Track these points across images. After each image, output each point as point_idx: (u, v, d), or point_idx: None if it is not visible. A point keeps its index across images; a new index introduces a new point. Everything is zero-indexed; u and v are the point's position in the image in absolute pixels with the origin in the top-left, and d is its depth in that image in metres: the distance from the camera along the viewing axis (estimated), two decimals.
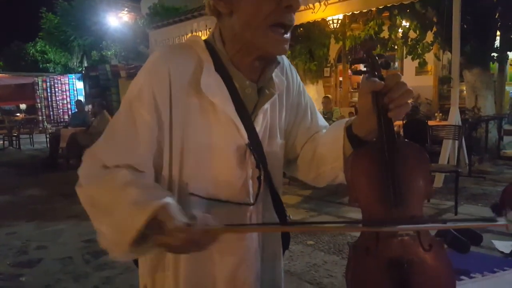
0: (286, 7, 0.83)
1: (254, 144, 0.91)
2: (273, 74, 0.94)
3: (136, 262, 1.00)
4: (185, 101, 0.87)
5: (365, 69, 0.88)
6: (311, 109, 1.07)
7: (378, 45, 8.47)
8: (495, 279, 1.12)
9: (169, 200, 0.76)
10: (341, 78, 12.38)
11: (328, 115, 7.44)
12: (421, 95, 10.70)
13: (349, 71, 10.76)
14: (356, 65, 0.92)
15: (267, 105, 0.93)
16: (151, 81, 0.86)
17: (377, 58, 0.87)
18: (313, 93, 10.33)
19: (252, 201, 0.92)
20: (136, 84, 0.88)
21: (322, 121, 1.08)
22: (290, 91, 1.03)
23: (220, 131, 0.89)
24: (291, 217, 1.02)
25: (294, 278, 3.09)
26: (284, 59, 1.03)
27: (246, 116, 0.91)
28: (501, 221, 0.69)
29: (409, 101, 0.80)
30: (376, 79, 0.81)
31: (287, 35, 0.87)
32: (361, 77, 0.88)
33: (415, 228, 0.78)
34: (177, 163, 0.88)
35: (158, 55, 0.89)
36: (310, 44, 9.73)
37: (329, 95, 8.27)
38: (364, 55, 0.88)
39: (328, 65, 11.26)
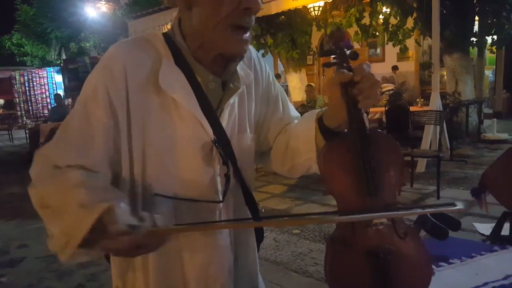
0: (245, 9, 0.80)
1: (221, 140, 0.88)
2: (238, 67, 0.91)
3: (109, 259, 0.98)
4: (144, 99, 0.84)
5: (334, 60, 0.87)
6: (282, 100, 1.05)
7: (359, 31, 8.49)
8: (473, 263, 1.14)
9: (116, 202, 0.73)
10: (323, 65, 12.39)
11: (312, 104, 7.46)
12: (407, 81, 10.82)
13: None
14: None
15: (233, 100, 0.91)
16: (105, 79, 0.82)
17: (345, 49, 0.87)
18: (296, 81, 10.33)
19: (220, 198, 0.89)
20: (90, 82, 0.84)
21: (293, 111, 1.07)
22: (259, 83, 1.00)
23: (183, 129, 0.86)
24: (262, 208, 1.00)
25: (281, 268, 3.11)
26: (252, 51, 1.00)
27: (211, 112, 0.88)
28: (459, 205, 0.72)
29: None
30: (345, 71, 0.81)
31: (247, 35, 0.84)
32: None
33: (385, 216, 0.79)
34: (139, 164, 0.85)
35: (113, 51, 0.85)
36: (292, 32, 9.68)
37: (312, 84, 8.29)
38: (333, 46, 0.88)
39: (311, 53, 11.24)
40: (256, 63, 1.00)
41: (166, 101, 0.84)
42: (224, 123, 0.90)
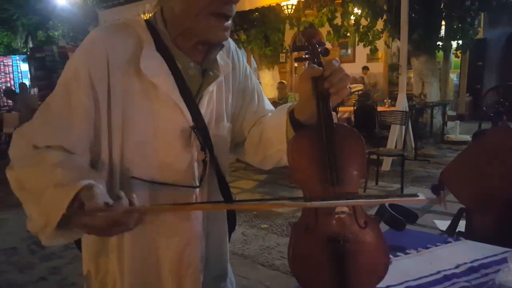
0: None
1: (199, 126, 0.90)
2: (218, 57, 0.93)
3: (79, 246, 0.97)
4: (125, 83, 0.84)
5: (306, 56, 0.90)
6: (258, 93, 1.07)
7: (332, 31, 8.62)
8: (428, 254, 1.20)
9: (93, 181, 0.74)
10: (296, 64, 12.49)
11: (283, 101, 7.51)
12: (378, 83, 11.06)
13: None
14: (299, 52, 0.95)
15: (212, 87, 0.92)
16: (87, 61, 0.82)
17: (317, 46, 0.90)
18: (269, 78, 10.36)
19: (197, 183, 0.91)
20: (71, 64, 0.84)
21: (268, 105, 1.09)
22: (237, 74, 1.02)
23: (162, 114, 0.87)
24: (236, 199, 1.03)
25: (248, 261, 3.15)
26: (231, 43, 1.02)
27: (190, 98, 0.89)
28: (421, 196, 0.76)
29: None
30: (315, 66, 0.84)
31: (228, 23, 0.86)
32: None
33: (347, 204, 0.82)
34: (118, 147, 0.86)
35: (95, 35, 0.85)
36: (266, 29, 9.71)
37: (284, 81, 8.34)
38: (305, 43, 0.91)
39: (284, 50, 11.31)
40: (234, 55, 1.02)
41: (146, 86, 0.85)
42: (202, 110, 0.91)
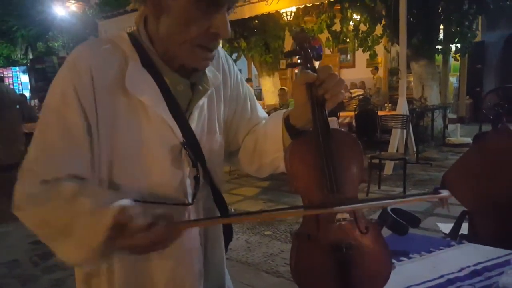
0: (213, 34, 0.80)
1: (190, 142, 0.87)
2: (206, 69, 0.90)
3: None
4: (111, 101, 0.81)
5: (299, 61, 0.90)
6: (251, 101, 1.05)
7: (331, 38, 8.66)
8: (431, 258, 1.19)
9: (125, 201, 0.71)
10: (296, 71, 12.54)
11: (285, 107, 7.53)
12: (381, 89, 11.07)
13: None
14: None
15: (202, 101, 0.90)
16: (72, 80, 0.79)
17: (309, 50, 0.89)
18: (270, 85, 10.39)
19: (189, 201, 0.88)
20: (56, 86, 0.81)
21: (262, 112, 1.07)
22: (228, 83, 1.00)
23: (151, 131, 0.84)
24: (233, 210, 1.02)
25: (252, 268, 3.13)
26: (220, 51, 0.99)
27: (180, 114, 0.86)
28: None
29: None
30: (309, 71, 0.83)
31: (212, 54, 0.85)
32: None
33: (350, 208, 0.82)
34: (106, 166, 0.83)
35: (78, 53, 0.82)
36: (266, 36, 9.75)
37: (285, 87, 8.36)
38: (297, 47, 0.90)
39: (284, 57, 11.35)
40: (224, 63, 1.00)
41: (133, 104, 0.83)
42: (193, 125, 0.89)
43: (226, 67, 1.00)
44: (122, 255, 0.77)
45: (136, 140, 0.83)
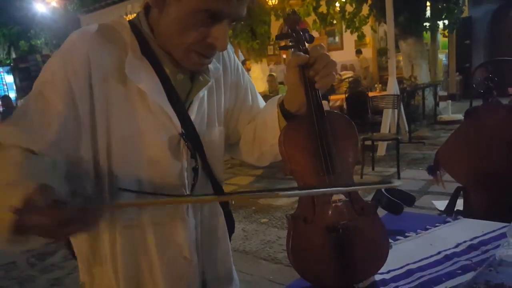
0: (209, 44, 0.79)
1: (189, 133, 0.86)
2: None
3: (74, 255, 0.93)
4: (109, 89, 0.80)
5: (291, 43, 0.89)
6: (251, 91, 1.04)
7: (318, 20, 8.59)
8: (427, 235, 1.19)
9: (50, 183, 0.65)
10: (284, 56, 12.47)
11: (274, 94, 7.50)
12: (369, 68, 11.07)
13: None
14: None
15: (202, 93, 0.88)
16: (66, 68, 0.77)
17: (301, 32, 0.88)
18: (258, 72, 10.33)
19: (187, 192, 0.88)
20: (49, 68, 0.79)
21: (262, 103, 1.06)
22: (228, 74, 0.98)
23: (149, 121, 0.83)
24: (234, 202, 1.00)
25: (250, 257, 3.14)
26: None
27: (179, 104, 0.85)
28: (398, 182, 0.79)
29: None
30: (301, 53, 0.82)
31: (209, 60, 0.84)
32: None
33: (342, 191, 0.82)
34: (104, 156, 0.81)
35: (75, 38, 0.80)
36: (251, 21, 9.65)
37: (273, 74, 8.31)
38: (289, 30, 0.89)
39: (271, 43, 11.27)
40: (225, 54, 0.98)
41: (132, 92, 0.81)
42: (193, 116, 0.87)
43: (227, 58, 0.99)
44: (37, 240, 0.68)
45: (134, 128, 0.82)
